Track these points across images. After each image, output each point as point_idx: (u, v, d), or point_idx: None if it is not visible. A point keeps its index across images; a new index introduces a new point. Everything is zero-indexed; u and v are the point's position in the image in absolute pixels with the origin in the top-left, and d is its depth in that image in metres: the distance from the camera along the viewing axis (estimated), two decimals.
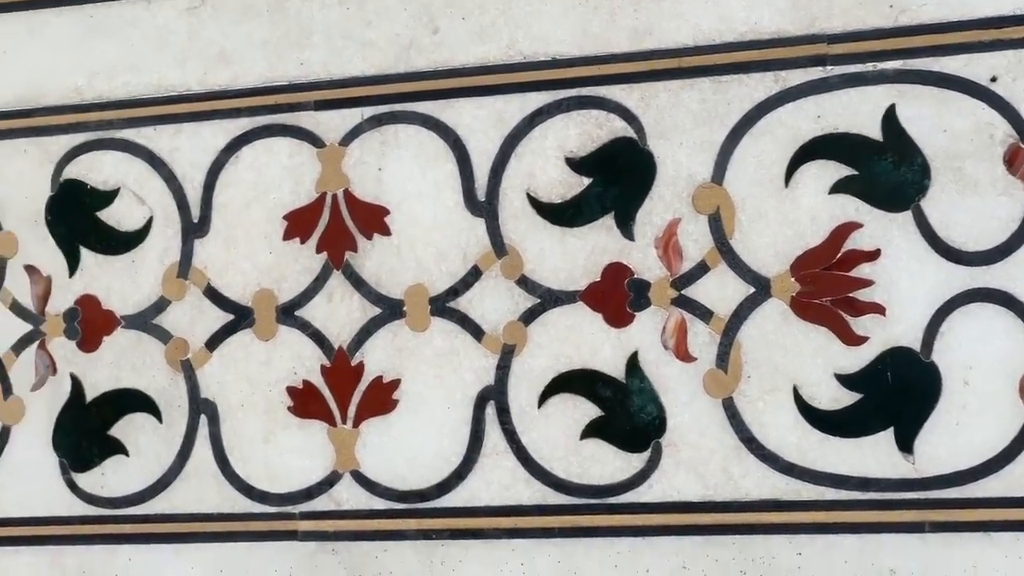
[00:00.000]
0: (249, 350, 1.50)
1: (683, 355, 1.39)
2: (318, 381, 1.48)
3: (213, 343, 1.51)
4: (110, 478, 1.53)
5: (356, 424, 1.47)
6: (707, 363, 1.39)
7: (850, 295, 1.35)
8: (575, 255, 1.42)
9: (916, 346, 1.33)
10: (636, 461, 1.40)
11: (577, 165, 1.43)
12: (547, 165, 1.43)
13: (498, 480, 1.43)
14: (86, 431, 1.54)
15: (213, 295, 1.51)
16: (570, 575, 1.41)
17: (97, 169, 1.55)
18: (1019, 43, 1.32)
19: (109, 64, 1.55)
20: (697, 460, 1.39)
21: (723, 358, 1.38)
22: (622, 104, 1.41)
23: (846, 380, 1.35)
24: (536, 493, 1.42)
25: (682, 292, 1.39)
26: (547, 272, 1.43)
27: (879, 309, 1.34)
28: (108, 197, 1.55)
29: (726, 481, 1.38)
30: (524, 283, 1.43)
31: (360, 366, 1.47)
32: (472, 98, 1.45)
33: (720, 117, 1.39)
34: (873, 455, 1.34)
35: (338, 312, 1.48)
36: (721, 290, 1.38)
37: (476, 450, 1.44)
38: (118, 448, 1.53)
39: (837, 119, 1.36)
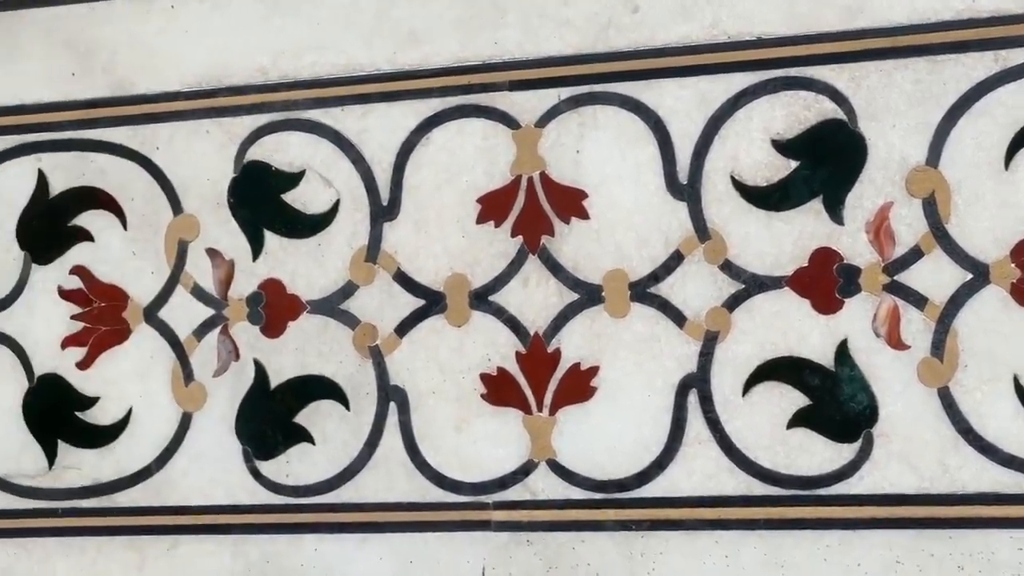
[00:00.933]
0: (441, 336, 1.47)
1: (896, 343, 1.35)
2: (513, 368, 1.45)
3: (403, 329, 1.48)
4: (295, 466, 1.50)
5: (552, 412, 1.43)
6: (921, 351, 1.34)
7: None
8: (781, 240, 1.38)
9: None
10: (846, 451, 1.36)
11: (784, 147, 1.39)
12: (752, 147, 1.40)
13: (700, 469, 1.40)
14: (270, 418, 1.51)
15: (403, 280, 1.48)
16: (777, 568, 1.37)
17: (282, 150, 1.52)
18: None
19: (294, 43, 1.52)
20: (911, 451, 1.34)
21: (938, 346, 1.34)
22: (831, 85, 1.37)
23: None
24: (741, 483, 1.38)
25: (894, 278, 1.35)
26: (752, 257, 1.39)
27: None
28: (293, 179, 1.52)
29: (942, 473, 1.34)
30: (728, 268, 1.39)
31: (557, 352, 1.43)
32: (674, 79, 1.41)
33: (935, 97, 1.35)
34: None
35: (534, 297, 1.44)
36: (936, 276, 1.34)
37: (677, 439, 1.40)
38: (304, 436, 1.50)
39: None
